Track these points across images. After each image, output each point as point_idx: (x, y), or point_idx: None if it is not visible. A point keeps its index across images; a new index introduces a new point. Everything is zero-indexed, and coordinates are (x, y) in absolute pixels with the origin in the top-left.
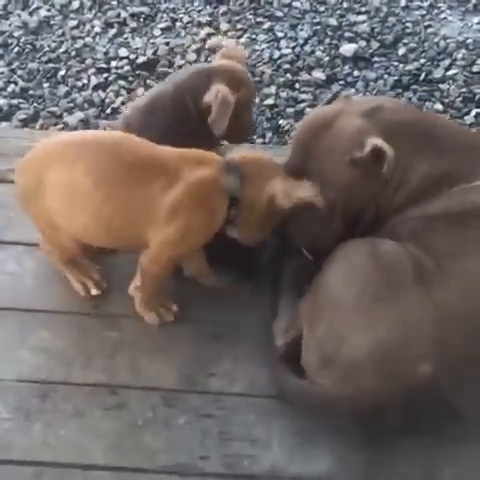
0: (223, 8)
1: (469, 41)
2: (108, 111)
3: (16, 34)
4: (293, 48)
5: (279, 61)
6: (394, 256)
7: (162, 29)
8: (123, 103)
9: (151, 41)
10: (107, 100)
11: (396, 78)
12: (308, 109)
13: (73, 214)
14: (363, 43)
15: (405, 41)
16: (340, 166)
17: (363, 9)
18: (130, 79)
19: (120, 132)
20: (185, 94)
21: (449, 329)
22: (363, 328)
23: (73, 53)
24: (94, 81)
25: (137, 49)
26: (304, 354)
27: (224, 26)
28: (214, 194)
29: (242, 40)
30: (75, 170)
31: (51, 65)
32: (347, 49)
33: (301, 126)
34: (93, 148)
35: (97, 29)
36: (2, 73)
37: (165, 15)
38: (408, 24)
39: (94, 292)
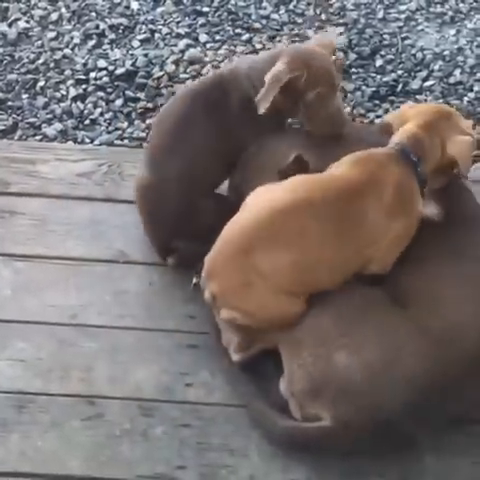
0: (202, 20)
1: (446, 53)
2: (87, 122)
3: None
4: None
5: None
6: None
7: (141, 40)
8: (102, 114)
9: (130, 52)
10: (86, 111)
11: (374, 89)
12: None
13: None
14: (341, 55)
15: (382, 53)
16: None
17: (341, 21)
18: (109, 90)
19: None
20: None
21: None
22: (350, 351)
23: (52, 64)
24: (73, 92)
25: (116, 60)
26: (288, 384)
27: (203, 37)
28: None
29: (221, 51)
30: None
31: (30, 76)
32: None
33: None
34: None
35: (76, 40)
36: None
37: (144, 27)
38: (385, 36)
39: None
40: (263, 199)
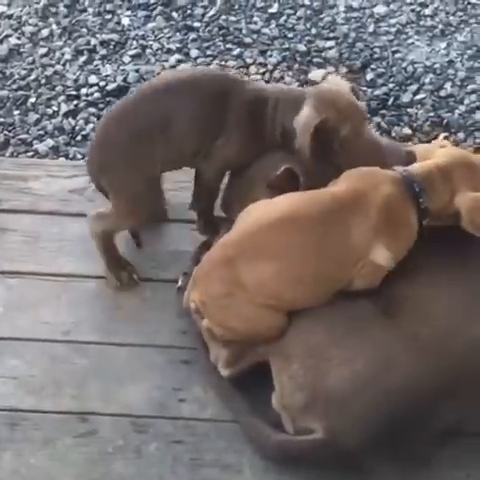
0: (192, 35)
1: (436, 66)
2: (78, 138)
3: None
4: (263, 74)
5: None
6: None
7: (132, 56)
8: (93, 130)
9: (121, 68)
10: (77, 127)
11: (365, 103)
12: None
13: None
14: (331, 69)
15: (373, 66)
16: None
17: (331, 35)
18: (100, 106)
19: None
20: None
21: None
22: (340, 362)
23: (43, 81)
24: (64, 108)
25: (107, 76)
26: (280, 397)
27: (194, 53)
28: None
29: (212, 66)
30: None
31: (21, 92)
32: (316, 75)
33: None
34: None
35: (67, 56)
36: None
37: (135, 42)
38: (376, 49)
39: None
40: (251, 214)
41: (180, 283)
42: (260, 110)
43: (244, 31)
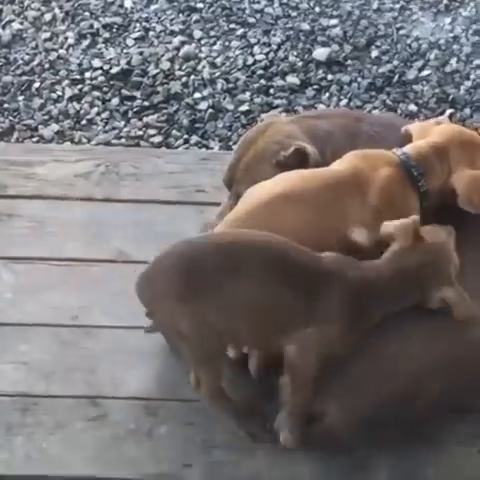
0: (196, 16)
1: (441, 42)
2: (83, 122)
3: None
4: (266, 54)
5: (253, 67)
6: None
7: (135, 39)
8: (98, 114)
9: (124, 51)
10: (82, 111)
11: (370, 81)
12: (283, 114)
13: None
14: (336, 47)
15: (378, 43)
16: (266, 168)
17: (335, 13)
18: (104, 90)
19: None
20: None
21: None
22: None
23: (47, 65)
24: (69, 93)
25: (111, 59)
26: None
27: (197, 34)
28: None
29: (216, 47)
30: None
31: (25, 78)
32: (320, 53)
33: (240, 140)
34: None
35: (70, 41)
36: None
37: (138, 25)
38: (380, 26)
39: None
40: (252, 193)
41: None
42: None
43: (247, 11)
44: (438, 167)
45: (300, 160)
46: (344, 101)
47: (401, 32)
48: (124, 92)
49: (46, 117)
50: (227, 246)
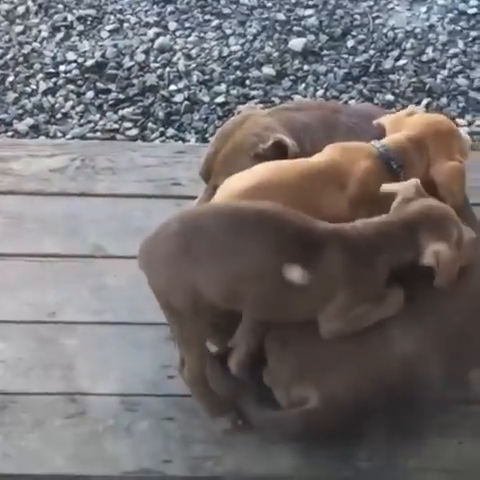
0: (170, 7)
1: (417, 31)
2: (58, 116)
3: None
4: (242, 45)
5: (228, 58)
6: None
7: (110, 31)
8: (73, 107)
9: (99, 43)
10: (57, 105)
11: (346, 71)
12: (260, 105)
13: None
14: (312, 37)
15: (354, 33)
16: (245, 161)
17: (311, 3)
18: (79, 83)
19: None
20: None
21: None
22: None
23: (21, 59)
24: (43, 86)
25: (85, 52)
26: (274, 369)
27: (172, 25)
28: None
29: (191, 39)
30: None
31: None
32: (296, 43)
33: (217, 132)
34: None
35: (44, 34)
36: None
37: (112, 17)
38: (356, 16)
39: None
40: (227, 185)
41: None
42: None
43: (222, 2)
44: (417, 159)
45: (279, 152)
46: (321, 91)
47: (377, 21)
48: (99, 85)
49: (20, 111)
50: (229, 211)
